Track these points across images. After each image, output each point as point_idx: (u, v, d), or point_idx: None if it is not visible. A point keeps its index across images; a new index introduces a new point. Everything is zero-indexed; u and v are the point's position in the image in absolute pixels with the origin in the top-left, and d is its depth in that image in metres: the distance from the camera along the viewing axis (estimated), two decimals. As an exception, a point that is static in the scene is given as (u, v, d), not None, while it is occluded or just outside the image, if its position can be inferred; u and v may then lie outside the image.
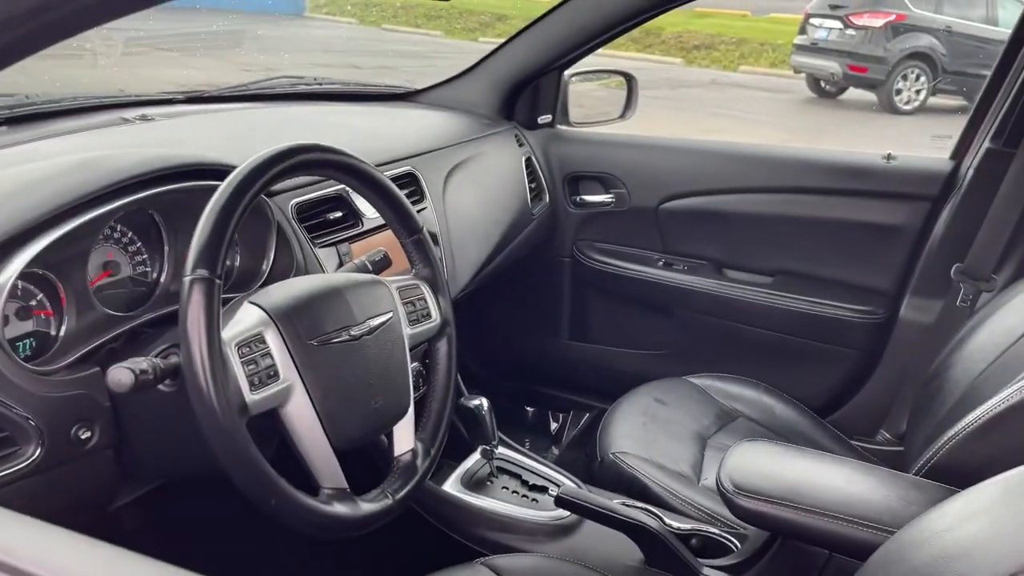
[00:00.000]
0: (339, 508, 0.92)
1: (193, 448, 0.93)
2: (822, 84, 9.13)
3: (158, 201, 1.08)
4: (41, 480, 0.93)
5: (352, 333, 0.97)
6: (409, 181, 1.52)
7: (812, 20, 9.00)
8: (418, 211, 1.33)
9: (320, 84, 1.93)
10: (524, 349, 2.22)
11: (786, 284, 1.90)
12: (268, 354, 0.90)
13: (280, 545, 1.35)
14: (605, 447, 1.53)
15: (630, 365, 2.06)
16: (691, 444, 1.60)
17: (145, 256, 1.13)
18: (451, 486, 1.39)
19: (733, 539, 1.34)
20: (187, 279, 0.84)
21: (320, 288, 0.99)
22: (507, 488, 1.42)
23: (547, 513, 1.36)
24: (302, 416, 0.92)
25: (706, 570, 1.25)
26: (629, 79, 2.17)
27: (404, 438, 1.06)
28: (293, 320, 0.92)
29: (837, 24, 8.74)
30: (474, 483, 1.42)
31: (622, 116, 2.17)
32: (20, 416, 0.90)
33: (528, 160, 1.97)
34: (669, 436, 1.59)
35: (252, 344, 0.89)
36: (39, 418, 0.91)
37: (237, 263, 1.20)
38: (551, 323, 2.17)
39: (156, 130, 1.39)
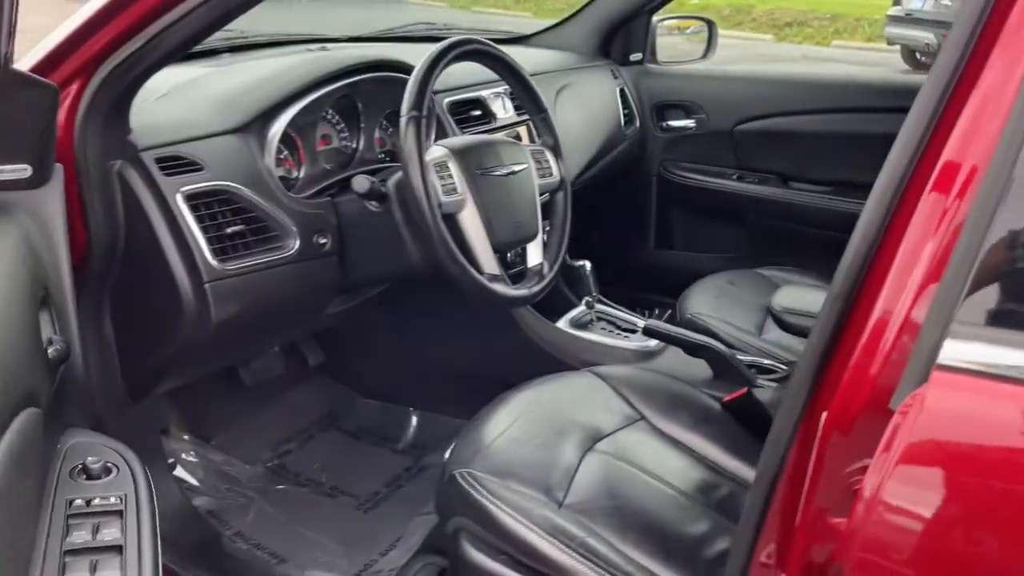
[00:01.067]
0: (497, 287, 1.35)
1: (391, 252, 1.37)
2: (917, 56, 9.04)
3: (359, 89, 1.53)
4: (297, 267, 1.38)
5: (501, 171, 1.40)
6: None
7: (907, -9, 8.94)
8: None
9: (449, 29, 2.36)
10: (615, 256, 2.60)
11: (843, 192, 2.22)
12: (451, 175, 1.33)
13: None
14: (683, 310, 1.91)
15: (707, 265, 2.43)
16: (754, 312, 1.96)
17: (347, 132, 1.58)
18: (562, 324, 1.81)
19: (782, 365, 1.70)
20: (404, 118, 1.28)
21: (482, 140, 1.42)
22: (604, 329, 1.82)
23: (637, 343, 1.75)
24: (472, 220, 1.35)
25: (759, 382, 1.61)
26: (710, 25, 2.53)
27: (534, 255, 1.48)
28: (465, 156, 1.36)
29: (933, -6, 8.67)
30: (579, 325, 1.82)
31: (704, 57, 2.53)
32: (286, 222, 1.36)
33: (621, 90, 2.36)
34: (735, 304, 1.95)
35: (441, 167, 1.32)
36: (296, 225, 1.37)
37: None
38: (640, 233, 2.55)
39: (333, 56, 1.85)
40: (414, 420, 1.97)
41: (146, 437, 1.47)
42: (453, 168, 1.35)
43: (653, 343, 1.74)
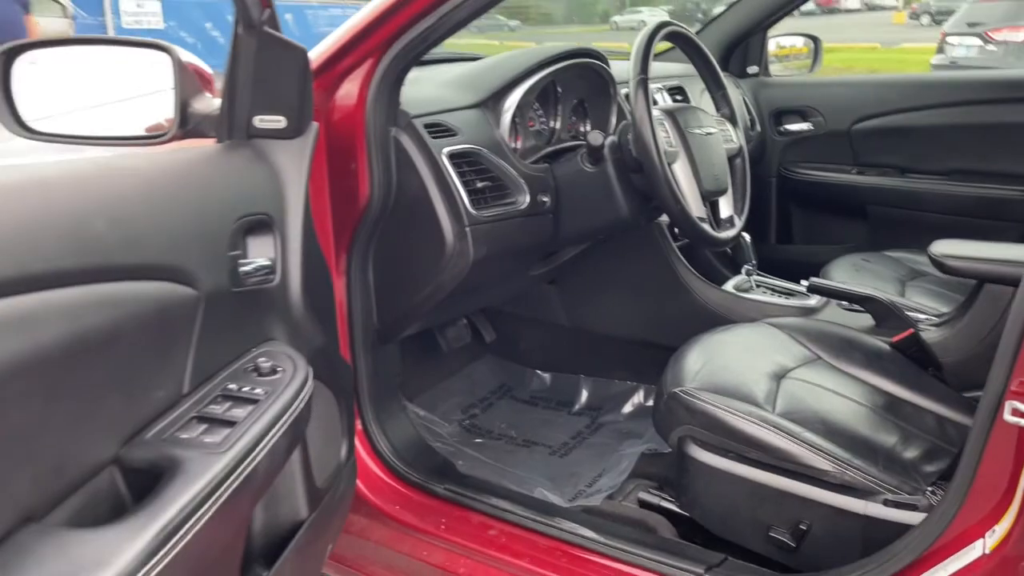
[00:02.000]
0: (705, 226, 1.58)
1: (601, 207, 1.61)
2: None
3: (561, 75, 1.79)
4: (525, 221, 1.62)
5: (703, 131, 1.64)
6: (679, 90, 2.20)
7: (950, 39, 9.16)
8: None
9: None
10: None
11: (958, 178, 2.42)
12: (666, 132, 1.58)
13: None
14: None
15: (829, 255, 2.62)
16: (892, 283, 2.14)
17: (545, 116, 1.83)
18: (727, 287, 2.01)
19: (935, 316, 1.87)
20: (633, 81, 1.52)
21: (686, 105, 1.68)
22: (765, 292, 2.02)
23: (798, 301, 1.95)
24: (684, 169, 1.59)
25: (921, 325, 1.79)
26: (815, 41, 2.79)
27: (725, 207, 1.70)
28: (676, 116, 1.61)
29: (976, 41, 8.88)
30: (741, 290, 2.02)
31: (811, 70, 2.78)
32: (519, 181, 1.60)
33: (743, 100, 2.60)
34: (874, 276, 2.14)
35: (659, 124, 1.57)
36: (526, 184, 1.61)
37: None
38: (761, 231, 2.76)
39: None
40: (585, 386, 2.17)
41: (388, 377, 1.69)
42: (668, 126, 1.59)
43: (814, 300, 1.93)
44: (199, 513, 0.79)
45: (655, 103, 2.07)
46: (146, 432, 0.87)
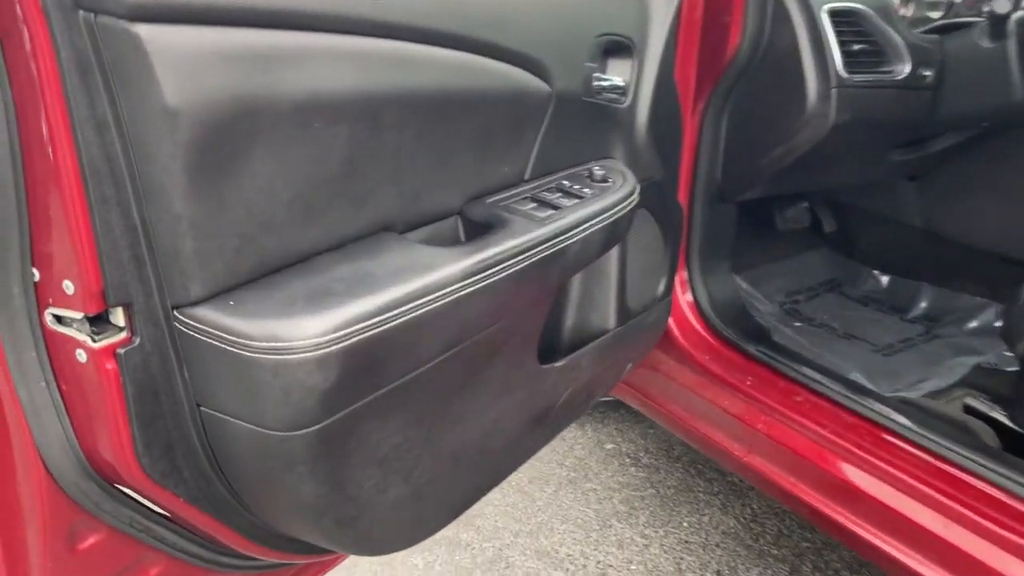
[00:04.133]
0: None
1: (993, 87, 1.45)
2: None
3: None
4: (900, 93, 1.53)
5: None
6: None
7: None
8: None
9: None
10: None
11: None
12: None
13: None
14: None
15: None
16: None
17: None
18: None
19: None
20: None
21: None
22: None
23: None
24: None
25: None
26: None
27: None
28: None
29: None
30: None
31: None
32: (901, 49, 1.49)
33: None
34: None
35: None
36: (909, 53, 1.50)
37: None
38: None
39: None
40: (926, 294, 2.02)
41: (720, 235, 1.72)
42: None
43: None
44: (512, 261, 0.92)
45: None
46: (487, 197, 1.02)
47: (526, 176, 1.09)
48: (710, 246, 1.69)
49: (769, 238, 2.07)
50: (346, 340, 0.73)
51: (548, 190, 1.08)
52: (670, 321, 1.64)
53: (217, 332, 0.70)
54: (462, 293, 0.85)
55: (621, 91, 1.19)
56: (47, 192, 0.65)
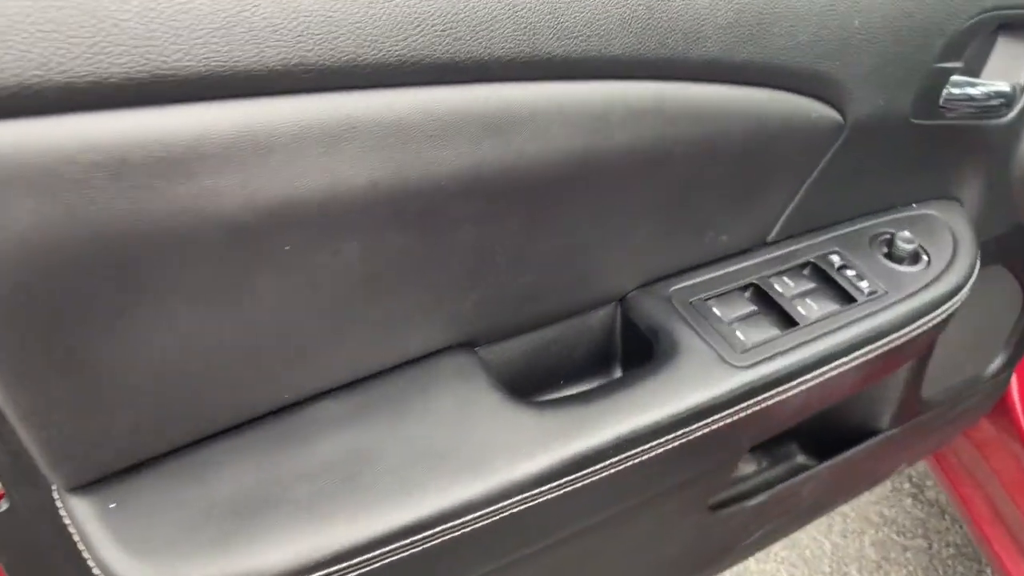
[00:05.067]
0: None
1: None
2: None
3: None
4: None
5: None
6: None
7: None
8: None
9: None
10: None
11: None
12: None
13: None
14: None
15: None
16: None
17: None
18: None
19: None
20: None
21: None
22: None
23: None
24: None
25: None
26: None
27: None
28: None
29: None
30: None
31: None
32: None
33: None
34: None
35: None
36: None
37: None
38: None
39: None
40: None
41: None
42: None
43: None
44: (662, 441, 0.55)
45: None
46: (678, 279, 0.63)
47: (769, 236, 0.67)
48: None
49: None
50: None
51: (795, 272, 0.66)
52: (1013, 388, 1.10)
53: (86, 542, 0.47)
54: (549, 497, 0.52)
55: (1005, 99, 0.68)
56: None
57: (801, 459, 0.95)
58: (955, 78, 0.63)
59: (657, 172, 0.54)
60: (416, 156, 0.43)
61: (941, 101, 0.64)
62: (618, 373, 0.66)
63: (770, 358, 0.59)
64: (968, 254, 0.71)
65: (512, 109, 0.45)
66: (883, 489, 1.62)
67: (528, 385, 0.61)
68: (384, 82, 0.41)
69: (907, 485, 1.63)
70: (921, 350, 0.77)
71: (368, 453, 0.49)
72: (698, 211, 0.60)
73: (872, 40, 0.57)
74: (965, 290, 0.70)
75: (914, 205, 0.74)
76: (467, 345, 0.56)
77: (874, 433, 0.90)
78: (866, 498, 1.60)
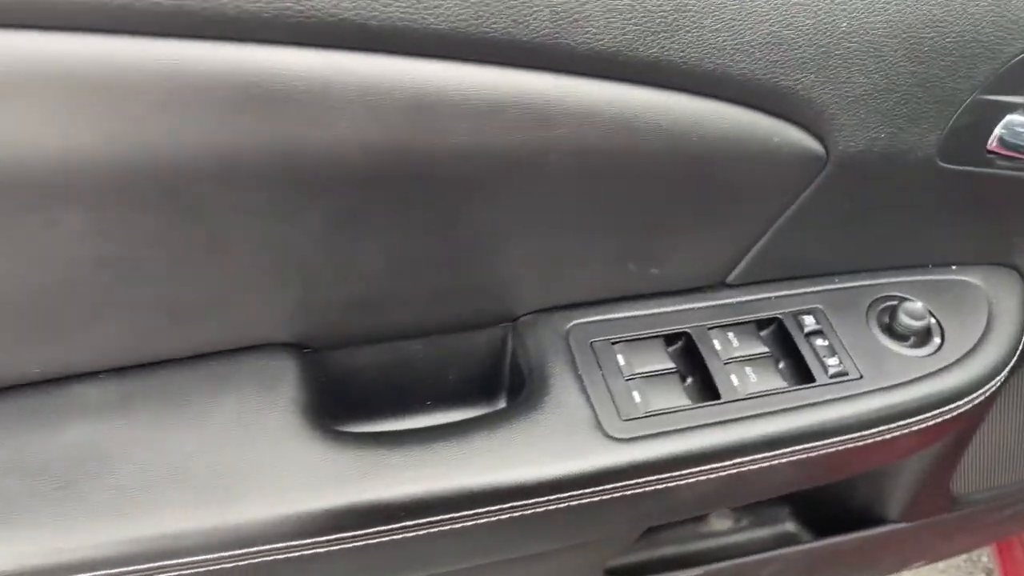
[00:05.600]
0: None
1: None
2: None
3: None
4: None
5: None
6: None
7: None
8: None
9: None
10: None
11: None
12: None
13: None
14: None
15: None
16: None
17: None
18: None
19: None
20: None
21: None
22: None
23: None
24: None
25: None
26: None
27: None
28: None
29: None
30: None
31: None
32: None
33: None
34: None
35: None
36: None
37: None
38: None
39: None
40: None
41: None
42: None
43: None
44: (486, 510, 0.45)
45: None
46: (584, 311, 0.51)
47: (730, 279, 0.53)
48: None
49: None
50: None
51: (744, 329, 0.53)
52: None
53: None
54: (316, 551, 0.44)
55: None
56: None
57: (791, 527, 0.81)
58: (1013, 118, 0.46)
59: (535, 182, 0.42)
60: (154, 127, 0.34)
61: (990, 145, 0.47)
62: (503, 404, 0.55)
63: (662, 434, 0.47)
64: (1008, 338, 0.54)
65: (283, 80, 0.34)
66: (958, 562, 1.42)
67: (378, 400, 0.52)
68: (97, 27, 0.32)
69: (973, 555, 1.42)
70: (915, 448, 0.61)
71: (105, 453, 0.42)
72: (614, 234, 0.47)
73: (867, 52, 0.41)
74: (992, 385, 0.54)
75: (953, 268, 0.57)
76: (294, 346, 0.48)
77: (880, 522, 0.75)
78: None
